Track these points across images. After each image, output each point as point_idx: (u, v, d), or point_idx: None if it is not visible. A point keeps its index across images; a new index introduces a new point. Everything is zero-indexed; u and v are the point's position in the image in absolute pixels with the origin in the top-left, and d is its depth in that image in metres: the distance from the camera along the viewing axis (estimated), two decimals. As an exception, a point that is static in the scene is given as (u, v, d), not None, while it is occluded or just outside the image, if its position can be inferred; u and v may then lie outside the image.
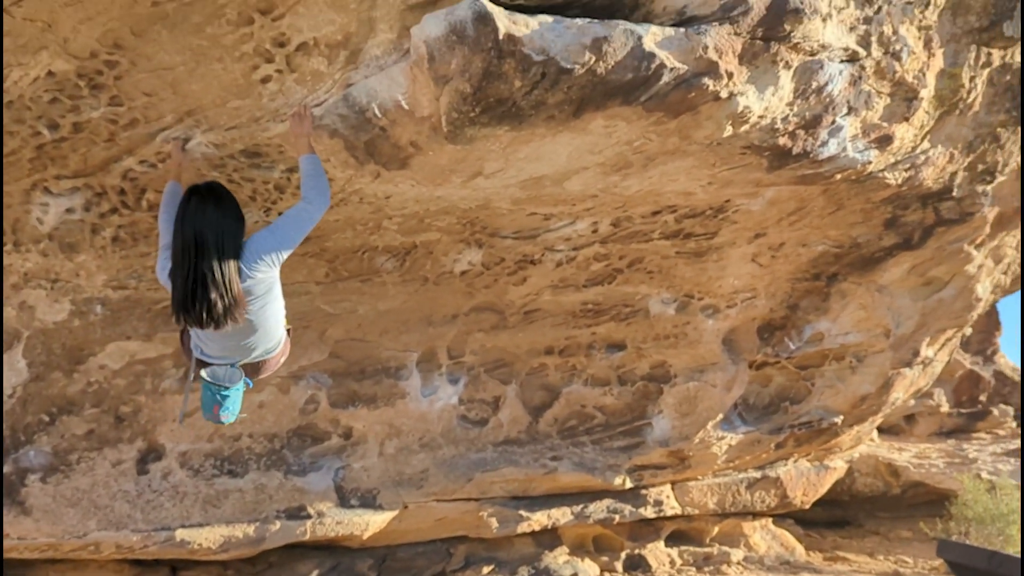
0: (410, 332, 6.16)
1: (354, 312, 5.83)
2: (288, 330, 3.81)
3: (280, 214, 4.01)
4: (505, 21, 3.12)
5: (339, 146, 3.87)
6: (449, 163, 3.97)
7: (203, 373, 3.64)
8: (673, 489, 8.08)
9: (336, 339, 6.02)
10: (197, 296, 3.28)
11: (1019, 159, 5.77)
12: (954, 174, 5.43)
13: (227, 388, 3.66)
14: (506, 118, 3.47)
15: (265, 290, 3.45)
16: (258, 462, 6.09)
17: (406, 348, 6.27)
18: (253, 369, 3.74)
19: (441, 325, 6.18)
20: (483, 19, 3.09)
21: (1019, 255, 7.31)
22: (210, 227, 3.31)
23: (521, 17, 3.17)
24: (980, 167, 5.52)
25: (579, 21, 3.23)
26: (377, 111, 3.63)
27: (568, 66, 3.25)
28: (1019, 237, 6.98)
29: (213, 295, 3.26)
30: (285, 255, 3.46)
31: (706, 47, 3.43)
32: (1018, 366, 14.46)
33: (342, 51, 3.54)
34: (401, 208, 4.72)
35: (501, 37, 3.11)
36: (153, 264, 4.80)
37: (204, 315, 3.29)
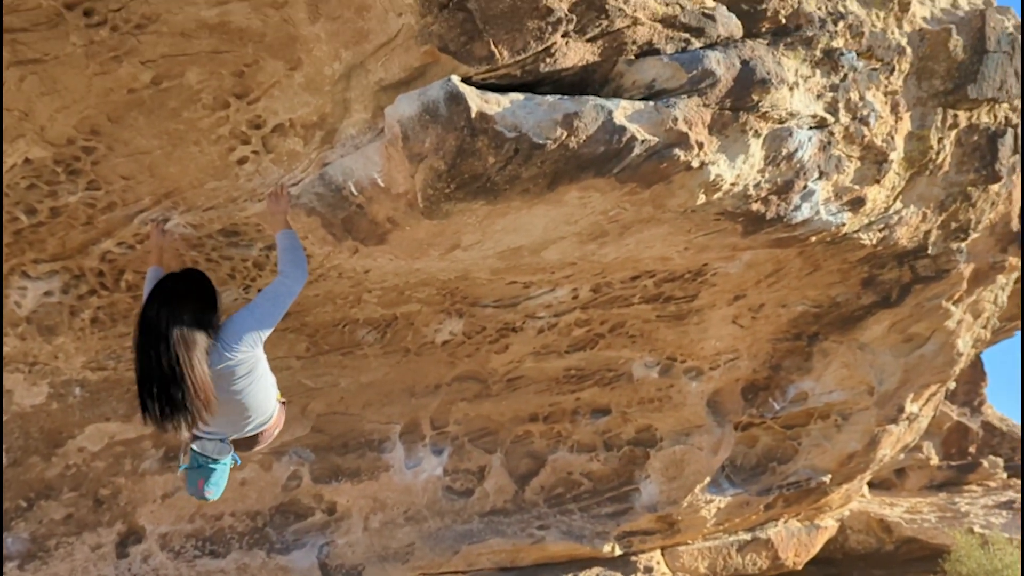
0: (393, 404, 6.13)
1: (336, 385, 5.80)
2: (283, 402, 3.79)
3: (259, 291, 4.00)
4: (477, 100, 3.17)
5: (316, 224, 3.89)
6: (427, 237, 4.00)
7: (193, 445, 3.57)
8: (663, 554, 7.98)
9: (318, 413, 5.98)
10: (154, 391, 3.17)
11: (991, 215, 5.86)
12: (928, 233, 5.50)
13: (215, 462, 3.59)
14: (481, 193, 3.51)
15: (248, 370, 3.39)
16: (240, 541, 5.99)
17: (389, 420, 6.23)
18: (247, 443, 3.70)
19: (424, 396, 6.16)
20: (455, 98, 3.14)
21: (1017, 299, 7.38)
22: (174, 319, 3.20)
23: (493, 95, 3.22)
24: (953, 225, 5.59)
25: (550, 98, 3.29)
26: (354, 189, 3.66)
27: (541, 141, 3.30)
28: (1019, 275, 7.07)
29: (172, 389, 3.14)
30: (266, 333, 3.41)
31: (676, 119, 3.49)
32: (1006, 416, 14.45)
33: (318, 131, 3.58)
34: (381, 281, 4.73)
35: (473, 115, 3.16)
36: (132, 345, 4.77)
37: (160, 411, 3.17)
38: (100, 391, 5.14)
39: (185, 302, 3.27)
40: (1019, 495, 11.75)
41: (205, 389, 3.18)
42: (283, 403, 3.80)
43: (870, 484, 11.56)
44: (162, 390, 3.15)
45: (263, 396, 3.55)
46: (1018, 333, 9.68)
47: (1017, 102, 5.17)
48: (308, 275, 3.61)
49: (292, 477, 6.08)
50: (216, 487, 3.65)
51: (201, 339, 3.21)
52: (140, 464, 5.54)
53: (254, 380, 3.45)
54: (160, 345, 3.16)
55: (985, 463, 13.54)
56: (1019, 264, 6.68)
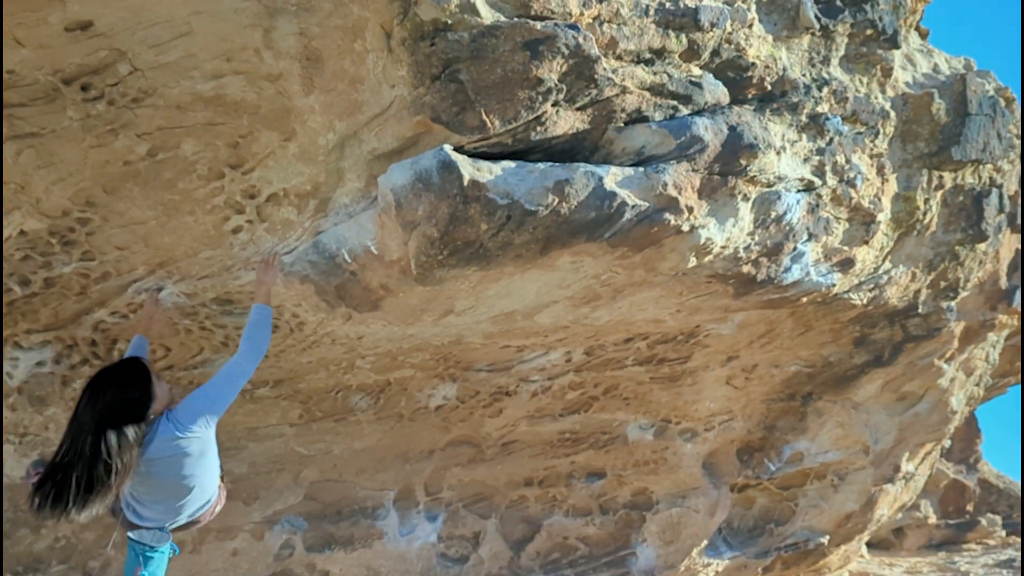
0: (386, 470, 6.08)
1: (329, 452, 5.75)
2: (222, 478, 3.65)
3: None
4: (469, 168, 3.22)
5: (310, 291, 3.91)
6: (420, 303, 4.01)
7: (130, 533, 3.45)
8: (662, 620, 7.86)
9: (311, 481, 5.92)
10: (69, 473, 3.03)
11: (980, 274, 5.92)
12: (918, 292, 5.54)
13: (153, 550, 3.46)
14: (474, 259, 3.53)
15: (200, 450, 3.28)
16: (232, 613, 5.89)
17: (383, 486, 6.17)
18: (183, 528, 3.59)
19: (418, 461, 6.11)
20: (448, 167, 3.19)
21: (989, 364, 7.40)
22: (104, 411, 3.07)
23: (485, 164, 3.27)
24: (942, 284, 5.64)
25: (541, 165, 3.33)
26: (347, 256, 3.68)
27: (532, 208, 3.34)
28: (1010, 332, 7.10)
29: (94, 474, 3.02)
30: (219, 414, 3.30)
31: (665, 184, 3.54)
32: (1002, 473, 14.39)
33: (312, 200, 3.62)
34: (374, 347, 4.73)
35: (466, 183, 3.20)
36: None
37: (76, 493, 3.02)
38: (91, 461, 5.08)
39: (114, 391, 3.13)
40: (1019, 553, 11.64)
41: (123, 476, 3.07)
42: (222, 480, 3.67)
43: (869, 544, 11.47)
44: (83, 474, 3.01)
45: (208, 478, 3.45)
46: (1011, 389, 9.70)
47: (1000, 163, 5.26)
48: (264, 356, 3.49)
49: (284, 546, 5.99)
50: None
51: (129, 430, 3.09)
52: (130, 535, 5.47)
53: (204, 463, 3.35)
54: (88, 437, 3.03)
55: (983, 521, 13.44)
56: (1008, 321, 6.72)
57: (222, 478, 3.66)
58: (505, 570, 6.69)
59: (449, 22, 2.99)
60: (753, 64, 3.82)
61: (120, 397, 3.11)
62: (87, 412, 3.08)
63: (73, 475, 3.01)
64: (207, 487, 3.46)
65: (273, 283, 3.70)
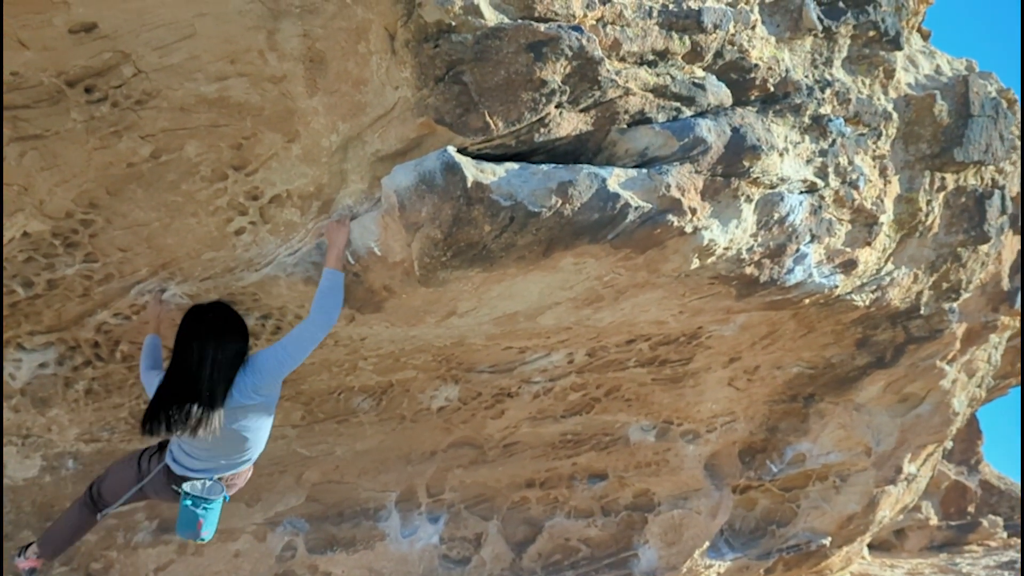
0: (388, 471, 6.08)
1: (331, 454, 5.75)
2: None
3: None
4: (473, 170, 3.22)
5: (313, 292, 3.90)
6: (423, 305, 4.01)
7: (185, 487, 3.70)
8: (664, 622, 7.86)
9: (313, 482, 5.92)
10: (175, 404, 3.46)
11: (982, 275, 5.92)
12: (920, 293, 5.54)
13: (208, 502, 3.72)
14: (477, 260, 3.53)
15: (265, 408, 3.63)
16: (234, 615, 5.89)
17: (385, 488, 6.16)
18: (228, 483, 3.83)
19: (420, 463, 6.11)
20: (451, 169, 3.19)
21: (991, 364, 7.40)
22: (212, 347, 3.56)
23: (488, 165, 3.27)
24: (945, 285, 5.64)
25: (544, 167, 3.33)
26: (350, 258, 3.68)
27: (536, 210, 3.34)
28: (1012, 333, 7.09)
29: (194, 407, 3.44)
30: (287, 372, 3.59)
31: (668, 186, 3.54)
32: (1004, 474, 14.38)
33: (315, 202, 3.62)
34: (376, 348, 4.73)
35: (469, 185, 3.20)
36: (126, 416, 4.77)
37: (178, 421, 3.45)
38: (93, 463, 5.08)
39: (228, 335, 3.64)
40: (1020, 555, 11.64)
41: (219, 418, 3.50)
42: None
43: (870, 546, 11.46)
44: (181, 402, 3.47)
45: (265, 433, 3.78)
46: (1012, 390, 9.70)
47: (1003, 164, 5.26)
48: (336, 322, 3.67)
49: (286, 548, 5.99)
50: (211, 527, 3.78)
51: (233, 372, 3.58)
52: (133, 537, 5.47)
53: (266, 418, 3.69)
54: (203, 368, 3.52)
55: (985, 522, 13.44)
56: (1011, 323, 6.72)
57: None
58: (507, 572, 6.69)
59: (453, 24, 2.99)
60: (756, 66, 3.82)
61: (237, 341, 3.67)
62: (209, 347, 3.56)
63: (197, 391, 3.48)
64: (260, 442, 3.78)
65: (344, 245, 3.63)
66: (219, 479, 3.75)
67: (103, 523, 5.31)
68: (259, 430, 3.72)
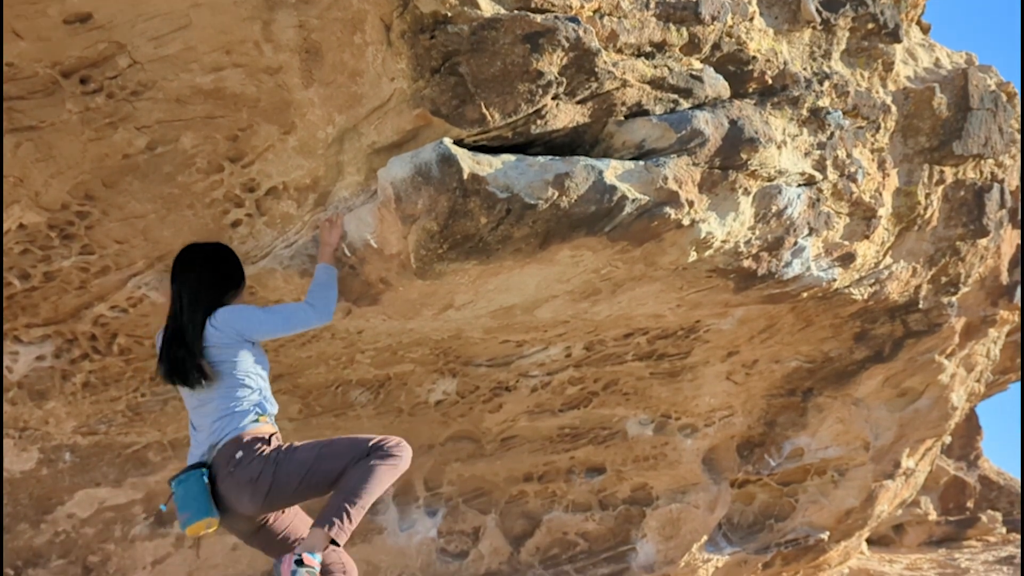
0: (387, 465, 6.07)
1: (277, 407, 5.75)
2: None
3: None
4: (469, 162, 3.21)
5: (309, 285, 3.90)
6: (420, 298, 4.01)
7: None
8: (662, 616, 7.86)
9: (312, 475, 5.91)
10: (168, 352, 3.39)
11: (981, 269, 5.91)
12: (919, 287, 5.53)
13: (180, 480, 3.30)
14: (474, 253, 3.52)
15: (226, 358, 3.38)
16: (232, 608, 5.89)
17: (383, 481, 6.16)
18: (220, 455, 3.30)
19: (417, 456, 6.06)
20: (448, 160, 3.18)
21: (991, 361, 7.40)
22: (188, 286, 3.47)
23: (484, 157, 3.26)
24: (944, 279, 5.63)
25: (541, 159, 3.33)
26: (346, 250, 3.68)
27: (532, 202, 3.33)
28: (1011, 328, 7.09)
29: (180, 351, 3.34)
30: (258, 335, 3.45)
31: (666, 178, 3.53)
32: (1003, 470, 14.37)
33: (311, 194, 3.61)
34: (374, 342, 4.73)
35: (466, 177, 3.19)
36: (123, 409, 4.77)
37: (170, 369, 3.37)
38: (91, 456, 5.09)
39: (196, 269, 3.55)
40: (1019, 550, 11.64)
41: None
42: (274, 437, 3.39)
43: (869, 541, 11.45)
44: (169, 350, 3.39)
45: (234, 391, 3.37)
46: (1012, 386, 9.70)
47: (1002, 158, 5.25)
48: (331, 319, 3.57)
49: (284, 541, 5.99)
50: (190, 510, 3.26)
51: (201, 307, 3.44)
52: (130, 530, 5.47)
53: (228, 370, 3.38)
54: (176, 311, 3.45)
55: (984, 518, 13.43)
56: (1010, 318, 6.72)
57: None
58: (505, 565, 6.69)
59: (449, 15, 2.99)
60: (754, 58, 3.81)
61: (206, 279, 3.54)
62: (179, 288, 3.50)
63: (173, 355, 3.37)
64: (227, 398, 3.36)
65: (337, 244, 3.63)
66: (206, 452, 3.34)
67: (100, 516, 5.32)
68: (224, 385, 3.35)
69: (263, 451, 3.24)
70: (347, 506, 3.13)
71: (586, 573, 6.92)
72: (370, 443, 3.28)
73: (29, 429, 4.83)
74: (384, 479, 3.28)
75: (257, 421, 3.33)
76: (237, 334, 3.39)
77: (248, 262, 3.89)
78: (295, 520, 3.51)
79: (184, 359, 3.33)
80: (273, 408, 3.47)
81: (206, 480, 3.25)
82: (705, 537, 7.12)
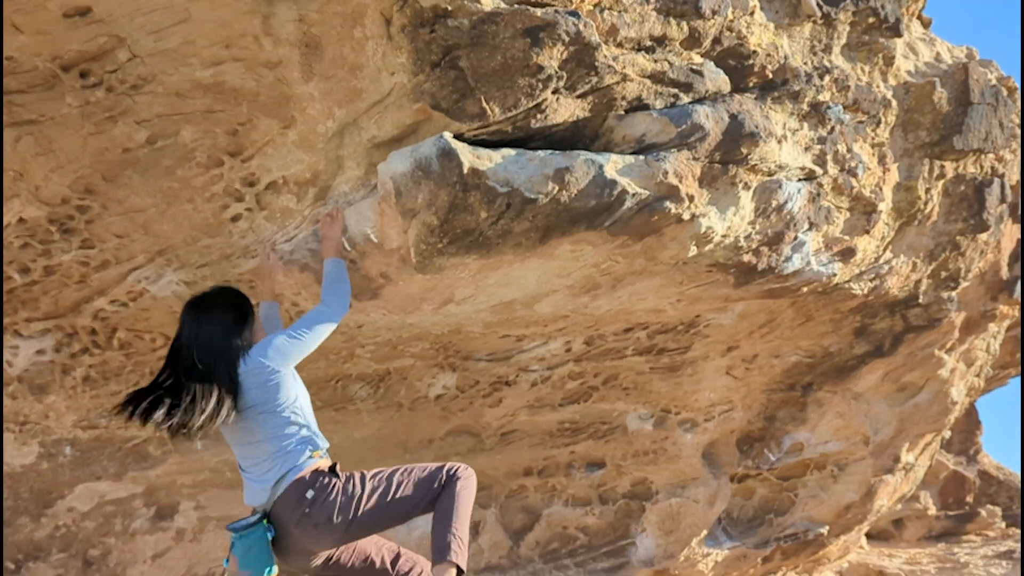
0: (386, 460, 6.07)
1: (329, 442, 5.75)
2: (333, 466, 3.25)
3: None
4: (469, 156, 3.20)
5: (310, 280, 3.90)
6: (420, 292, 4.01)
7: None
8: (661, 610, 7.87)
9: (312, 469, 5.92)
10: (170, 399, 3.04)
11: (981, 264, 5.91)
12: (918, 282, 5.53)
13: (240, 533, 3.14)
14: (474, 247, 3.52)
15: (275, 385, 3.19)
16: (232, 601, 5.90)
17: (383, 476, 6.16)
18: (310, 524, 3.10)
19: (417, 451, 6.11)
20: (448, 155, 3.18)
21: (990, 356, 7.40)
22: (199, 339, 3.15)
23: (484, 151, 3.26)
24: (943, 274, 5.63)
25: (541, 153, 3.32)
26: (347, 245, 3.68)
27: (532, 196, 3.33)
28: (1011, 323, 7.09)
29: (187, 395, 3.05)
30: (296, 356, 3.28)
31: (666, 172, 3.53)
32: (1002, 465, 14.38)
33: (311, 188, 3.61)
34: (374, 336, 4.72)
35: (466, 171, 3.19)
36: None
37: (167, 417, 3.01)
38: (91, 450, 5.09)
39: (213, 314, 3.21)
40: (1019, 545, 11.65)
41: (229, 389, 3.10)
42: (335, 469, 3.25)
43: (868, 535, 11.47)
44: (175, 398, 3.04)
45: (301, 410, 3.28)
46: (1011, 381, 9.71)
47: (1002, 153, 5.25)
48: (348, 310, 3.47)
49: (285, 535, 6.00)
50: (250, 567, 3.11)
51: (228, 348, 3.17)
52: (130, 524, 5.47)
53: (290, 393, 3.24)
54: (189, 354, 3.11)
55: (983, 512, 13.44)
56: (1010, 312, 6.71)
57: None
58: (504, 560, 6.70)
59: (449, 8, 2.98)
60: (754, 52, 3.80)
61: (224, 319, 3.21)
62: (191, 332, 3.15)
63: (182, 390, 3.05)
64: (276, 436, 3.20)
65: (340, 237, 3.58)
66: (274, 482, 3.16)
67: (100, 510, 5.33)
68: (271, 425, 3.19)
69: (334, 486, 3.13)
70: (454, 531, 3.14)
71: (586, 567, 6.93)
72: (442, 473, 3.28)
73: (29, 423, 4.83)
74: (470, 499, 3.29)
75: (312, 458, 3.19)
76: (273, 370, 3.18)
77: (248, 256, 3.89)
78: (363, 541, 3.40)
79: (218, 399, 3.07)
80: (324, 443, 3.30)
81: (270, 536, 3.11)
82: (705, 531, 7.13)
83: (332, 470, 3.19)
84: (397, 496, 3.17)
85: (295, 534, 3.11)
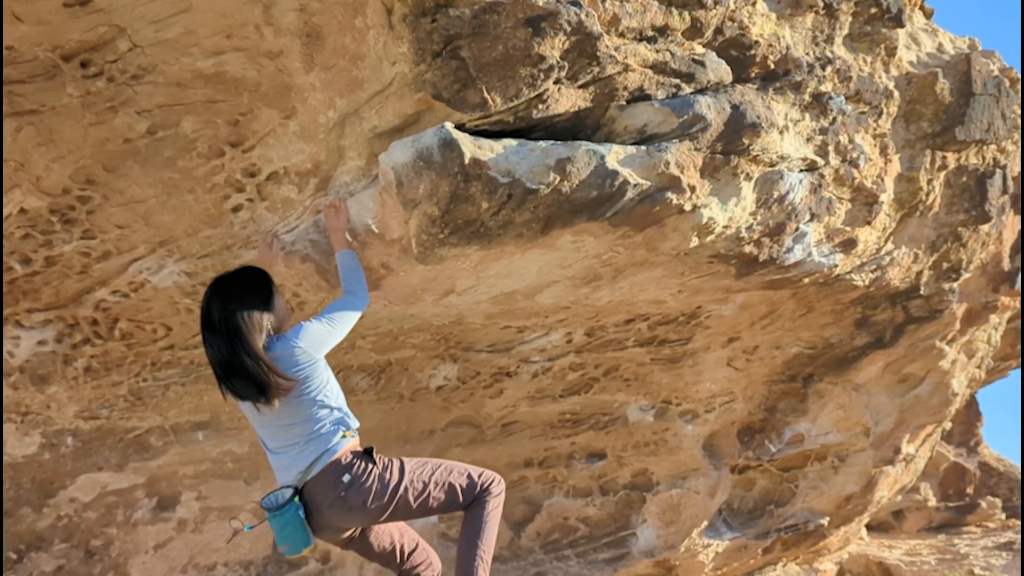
0: (387, 451, 6.04)
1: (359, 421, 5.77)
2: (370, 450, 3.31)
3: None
4: (470, 146, 3.20)
5: (311, 270, 3.90)
6: (421, 283, 4.00)
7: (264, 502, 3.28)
8: (662, 600, 7.89)
9: (313, 460, 5.93)
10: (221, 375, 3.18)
11: (982, 255, 5.90)
12: (920, 273, 5.53)
13: (275, 512, 3.24)
14: (475, 238, 3.52)
15: (315, 369, 3.22)
16: (234, 592, 5.91)
17: (384, 467, 6.17)
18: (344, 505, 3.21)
19: (418, 442, 6.11)
20: (449, 145, 3.17)
21: (991, 347, 7.40)
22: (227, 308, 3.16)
23: (486, 142, 3.25)
24: (945, 265, 5.63)
25: (542, 143, 3.32)
26: (348, 236, 3.67)
27: (534, 187, 3.32)
28: (1012, 314, 7.09)
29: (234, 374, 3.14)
30: (329, 343, 3.27)
31: (668, 163, 3.53)
32: (1003, 456, 14.39)
33: (312, 179, 3.61)
34: (375, 327, 4.73)
35: (467, 162, 3.19)
36: (125, 393, 4.78)
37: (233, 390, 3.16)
38: (93, 440, 5.10)
39: (238, 293, 3.22)
40: (1019, 536, 11.67)
41: (268, 365, 3.10)
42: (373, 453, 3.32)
43: (868, 527, 11.49)
44: (226, 375, 3.15)
45: (332, 396, 3.28)
46: (1012, 372, 9.71)
47: (1004, 144, 5.24)
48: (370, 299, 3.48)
49: (286, 526, 6.00)
50: (288, 540, 3.26)
51: (256, 323, 3.17)
52: (132, 514, 5.48)
53: (322, 380, 3.25)
54: (216, 334, 3.15)
55: (983, 504, 13.46)
56: (1011, 304, 6.71)
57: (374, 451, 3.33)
58: (505, 551, 6.72)
59: (450, -2, 2.97)
60: (756, 43, 3.79)
61: (249, 297, 3.22)
62: (216, 311, 3.17)
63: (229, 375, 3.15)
64: (332, 400, 3.27)
65: (346, 228, 3.57)
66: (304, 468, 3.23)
67: (102, 500, 5.34)
68: (303, 407, 3.22)
69: (371, 472, 3.21)
70: (481, 554, 3.34)
71: (586, 558, 6.95)
72: (476, 485, 3.42)
73: (31, 414, 4.84)
74: (498, 519, 3.46)
75: (344, 437, 3.25)
76: (310, 356, 3.20)
77: (249, 247, 3.89)
78: (391, 524, 3.52)
79: (260, 375, 3.10)
80: (355, 423, 3.34)
81: (302, 515, 3.19)
82: (705, 522, 7.15)
83: (368, 453, 3.26)
84: (431, 496, 3.31)
85: (328, 513, 3.22)
